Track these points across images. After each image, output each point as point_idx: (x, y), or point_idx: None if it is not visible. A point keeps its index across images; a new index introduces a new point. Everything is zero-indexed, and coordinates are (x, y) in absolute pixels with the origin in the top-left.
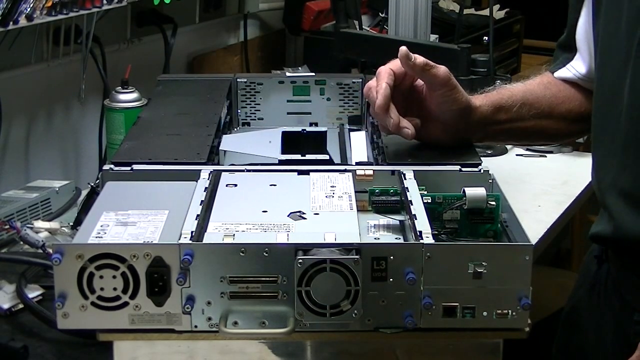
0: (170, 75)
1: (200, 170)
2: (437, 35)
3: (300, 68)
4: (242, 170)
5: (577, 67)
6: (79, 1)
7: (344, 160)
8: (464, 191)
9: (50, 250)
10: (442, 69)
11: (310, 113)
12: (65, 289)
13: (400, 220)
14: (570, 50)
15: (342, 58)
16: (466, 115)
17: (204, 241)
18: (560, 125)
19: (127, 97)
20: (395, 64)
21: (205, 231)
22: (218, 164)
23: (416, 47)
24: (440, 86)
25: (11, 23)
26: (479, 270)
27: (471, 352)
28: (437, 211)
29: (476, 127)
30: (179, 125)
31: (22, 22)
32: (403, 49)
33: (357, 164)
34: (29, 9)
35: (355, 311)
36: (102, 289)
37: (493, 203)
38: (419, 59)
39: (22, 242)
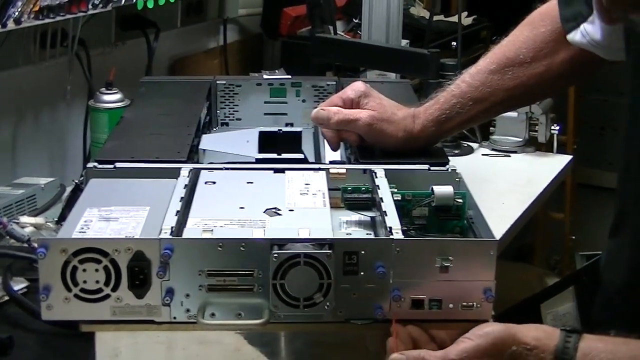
0: (153, 77)
1: (181, 168)
2: (408, 41)
3: (277, 71)
4: (221, 168)
5: (591, 32)
6: (65, 6)
7: (318, 159)
8: (432, 189)
9: (36, 245)
10: (362, 119)
11: (286, 114)
12: (49, 281)
13: (371, 217)
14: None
15: (317, 62)
16: (410, 142)
17: (184, 236)
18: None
19: (111, 98)
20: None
21: (185, 226)
22: (197, 162)
23: (388, 52)
24: (365, 134)
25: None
26: (446, 265)
27: None
28: (406, 208)
29: (428, 143)
30: (160, 125)
31: (11, 25)
32: (314, 117)
33: (331, 162)
34: (17, 13)
35: (328, 303)
36: (85, 281)
37: (460, 200)
38: (334, 118)
39: (8, 237)
